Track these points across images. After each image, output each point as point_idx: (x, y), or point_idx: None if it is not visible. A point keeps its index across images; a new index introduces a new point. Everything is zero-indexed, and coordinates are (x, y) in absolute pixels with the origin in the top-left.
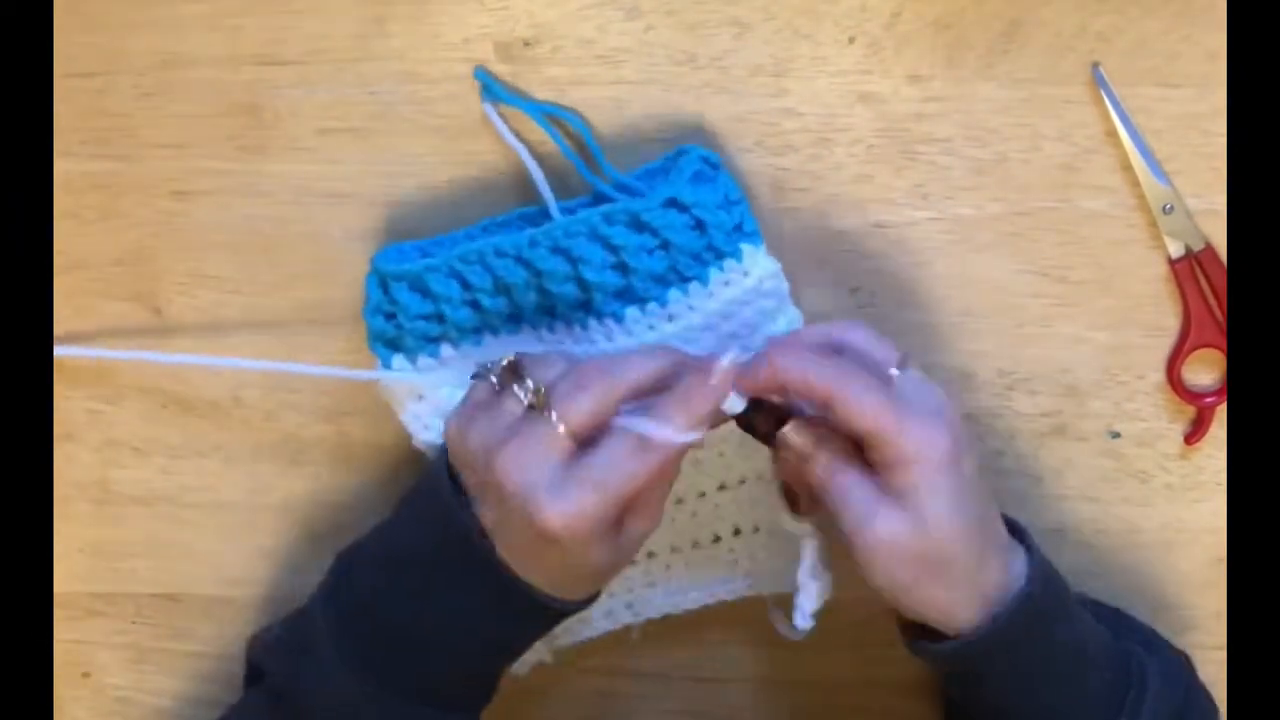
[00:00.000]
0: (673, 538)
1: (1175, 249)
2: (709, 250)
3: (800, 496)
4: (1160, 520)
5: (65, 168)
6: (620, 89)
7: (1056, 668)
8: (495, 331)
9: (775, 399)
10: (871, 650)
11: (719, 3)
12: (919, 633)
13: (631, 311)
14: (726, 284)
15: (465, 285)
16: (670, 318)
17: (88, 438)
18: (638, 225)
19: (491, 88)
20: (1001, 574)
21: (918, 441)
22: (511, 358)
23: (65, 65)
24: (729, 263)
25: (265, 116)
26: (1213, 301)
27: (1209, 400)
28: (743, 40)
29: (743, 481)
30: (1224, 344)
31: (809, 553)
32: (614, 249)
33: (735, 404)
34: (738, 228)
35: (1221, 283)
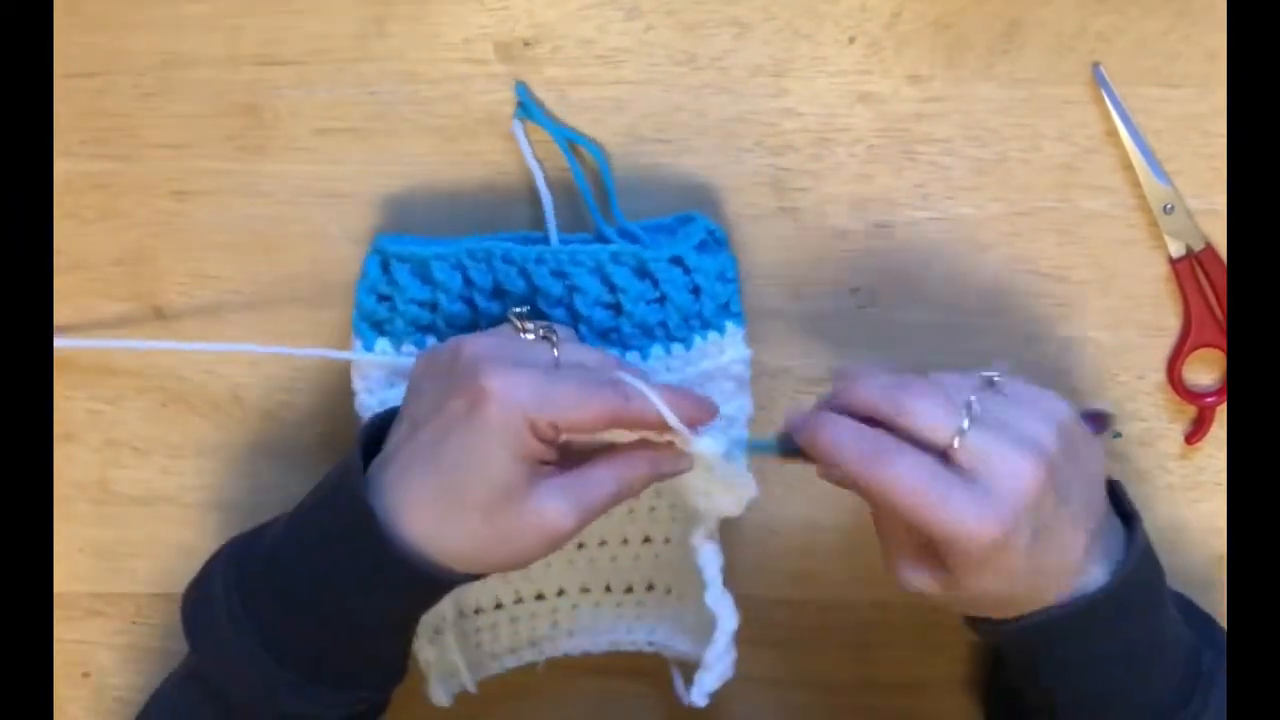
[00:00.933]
0: (587, 578)
1: (1175, 249)
2: (698, 318)
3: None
4: (1160, 520)
5: (65, 168)
6: (620, 89)
7: (1117, 667)
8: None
9: None
10: (871, 650)
11: (719, 3)
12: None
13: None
14: (704, 355)
15: (467, 281)
16: (646, 372)
17: (88, 438)
18: (642, 272)
19: (529, 107)
20: (1066, 587)
21: (957, 532)
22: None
23: (65, 65)
24: (712, 335)
25: (265, 116)
26: (1213, 301)
27: (1209, 400)
28: (743, 40)
29: (667, 541)
30: (1224, 344)
31: (722, 634)
32: (613, 289)
33: (773, 447)
34: (725, 306)
35: (1221, 283)
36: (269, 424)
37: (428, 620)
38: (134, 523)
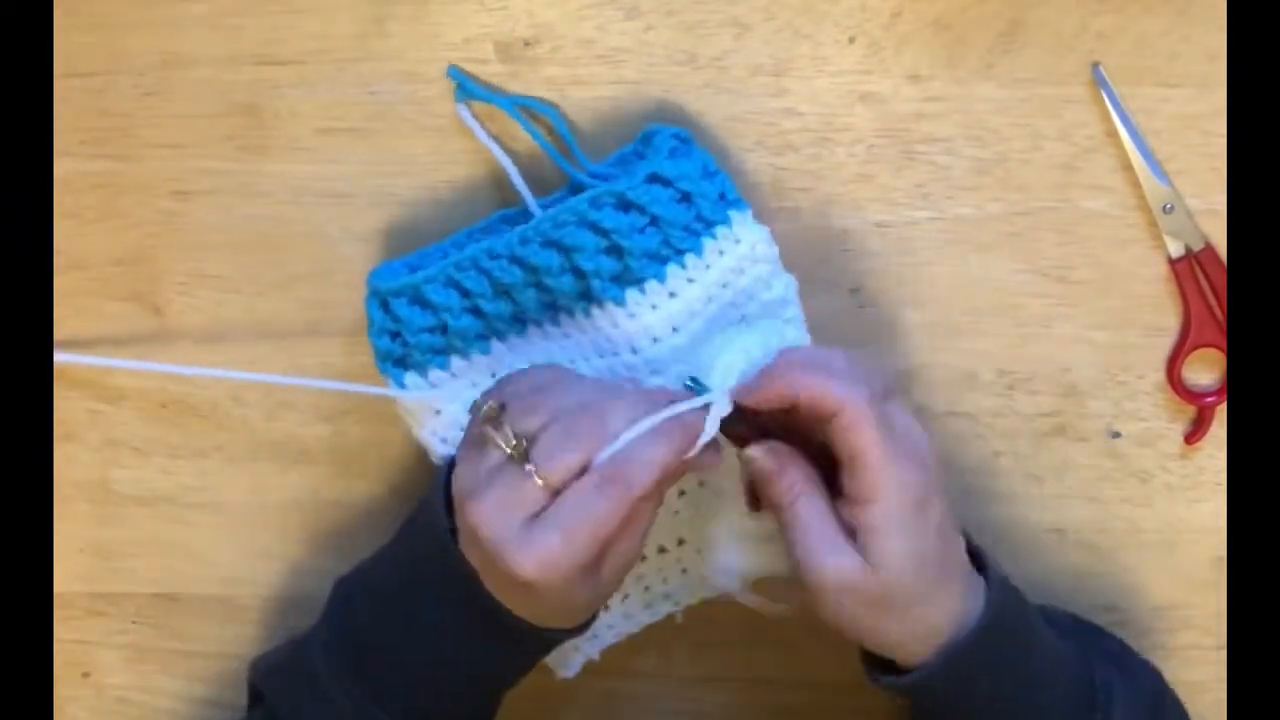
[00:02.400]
0: (702, 522)
1: (1175, 249)
2: (698, 220)
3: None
4: (1160, 520)
5: (65, 168)
6: (620, 89)
7: (1016, 695)
8: (502, 336)
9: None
10: None
11: (719, 3)
12: (878, 664)
13: (632, 294)
14: (720, 253)
15: (464, 293)
16: (671, 294)
17: (88, 438)
18: (624, 205)
19: (466, 85)
20: (956, 608)
21: (892, 477)
22: (492, 405)
23: (65, 65)
24: (720, 230)
25: (265, 116)
26: (1213, 301)
27: (1209, 400)
28: (743, 40)
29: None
30: (1224, 344)
31: (727, 512)
32: (605, 233)
33: (723, 407)
34: (722, 196)
35: (1221, 283)
36: (269, 424)
37: None
38: (134, 523)
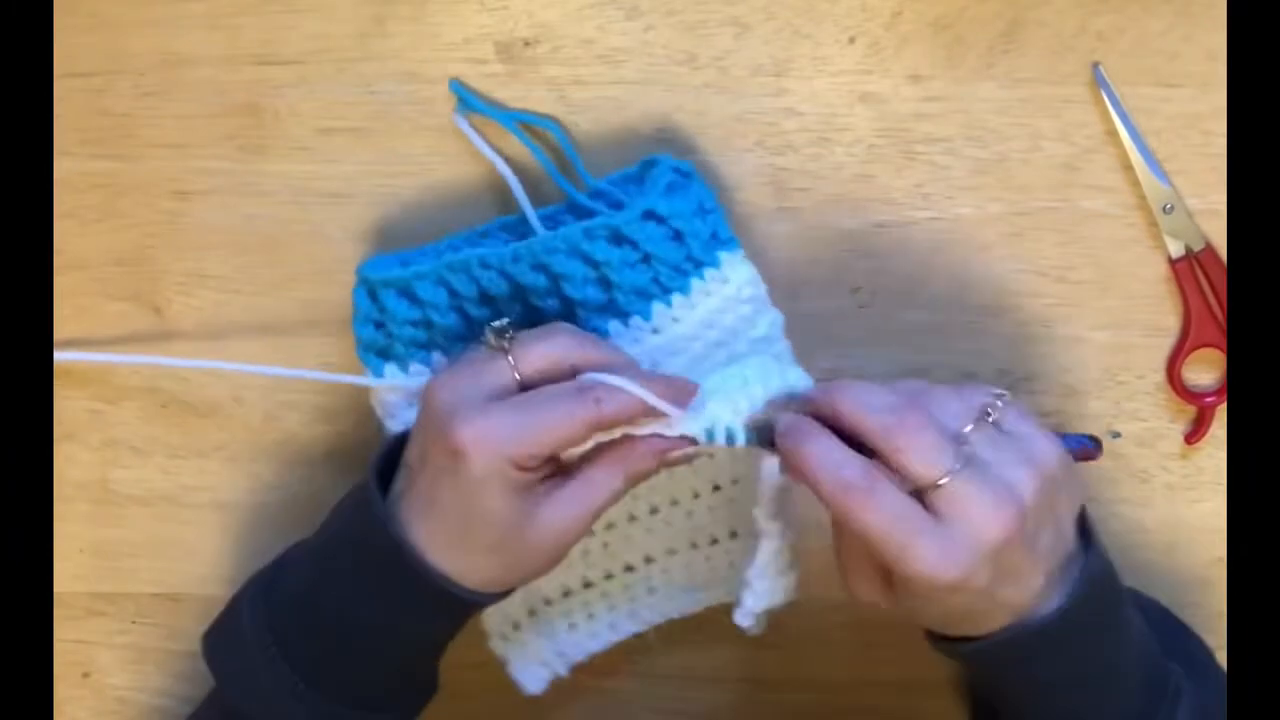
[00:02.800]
0: (670, 541)
1: (1175, 249)
2: (688, 260)
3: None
4: (1160, 520)
5: (65, 168)
6: (620, 89)
7: (1074, 687)
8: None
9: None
10: (871, 650)
11: (719, 3)
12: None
13: (614, 326)
14: (707, 294)
15: (452, 293)
16: (655, 330)
17: (88, 438)
18: (618, 239)
19: (467, 99)
20: (1034, 595)
21: (913, 569)
22: (504, 321)
23: (65, 65)
24: (709, 271)
25: (265, 116)
26: (1213, 301)
27: (1209, 400)
28: (743, 40)
29: (735, 482)
30: (1224, 344)
31: (763, 553)
32: (595, 264)
33: (750, 437)
34: (714, 236)
35: (1221, 283)
36: (269, 424)
37: (501, 616)
38: (134, 523)
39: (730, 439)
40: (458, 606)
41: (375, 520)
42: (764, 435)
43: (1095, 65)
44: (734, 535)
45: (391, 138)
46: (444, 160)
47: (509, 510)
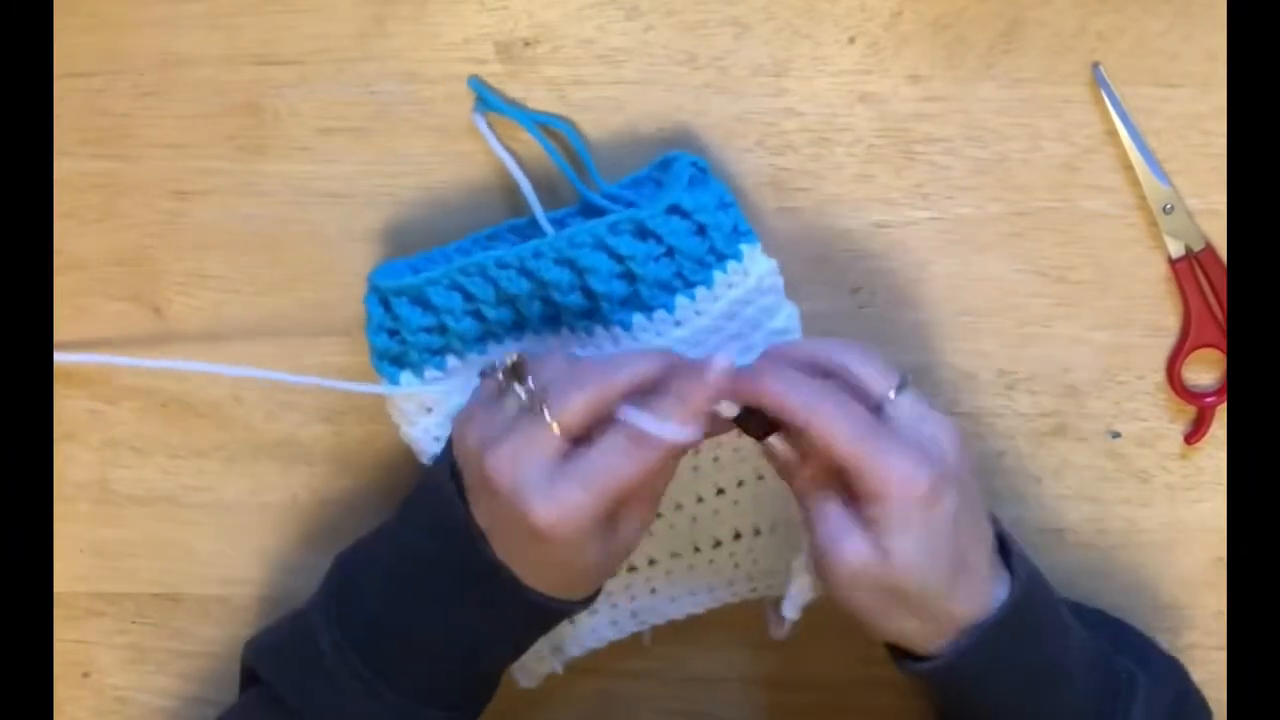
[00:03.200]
0: (673, 543)
1: (1175, 249)
2: (711, 253)
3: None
4: (1160, 520)
5: (65, 168)
6: (620, 89)
7: (1037, 685)
8: (500, 339)
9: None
10: (871, 650)
11: (719, 3)
12: (901, 649)
13: (638, 319)
14: (730, 285)
15: (467, 297)
16: (677, 323)
17: (88, 438)
18: (643, 233)
19: (486, 98)
20: (976, 601)
21: (891, 477)
22: (514, 356)
23: (65, 65)
24: (731, 264)
25: (265, 116)
26: (1213, 301)
27: (1209, 400)
28: (743, 40)
29: (740, 484)
30: (1224, 344)
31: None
32: (620, 258)
33: (728, 409)
34: (734, 229)
35: (1221, 283)
36: (269, 424)
37: None
38: (134, 523)
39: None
40: (554, 616)
41: (470, 544)
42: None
43: (1095, 65)
44: (737, 537)
45: (391, 138)
46: (444, 160)
47: (599, 553)
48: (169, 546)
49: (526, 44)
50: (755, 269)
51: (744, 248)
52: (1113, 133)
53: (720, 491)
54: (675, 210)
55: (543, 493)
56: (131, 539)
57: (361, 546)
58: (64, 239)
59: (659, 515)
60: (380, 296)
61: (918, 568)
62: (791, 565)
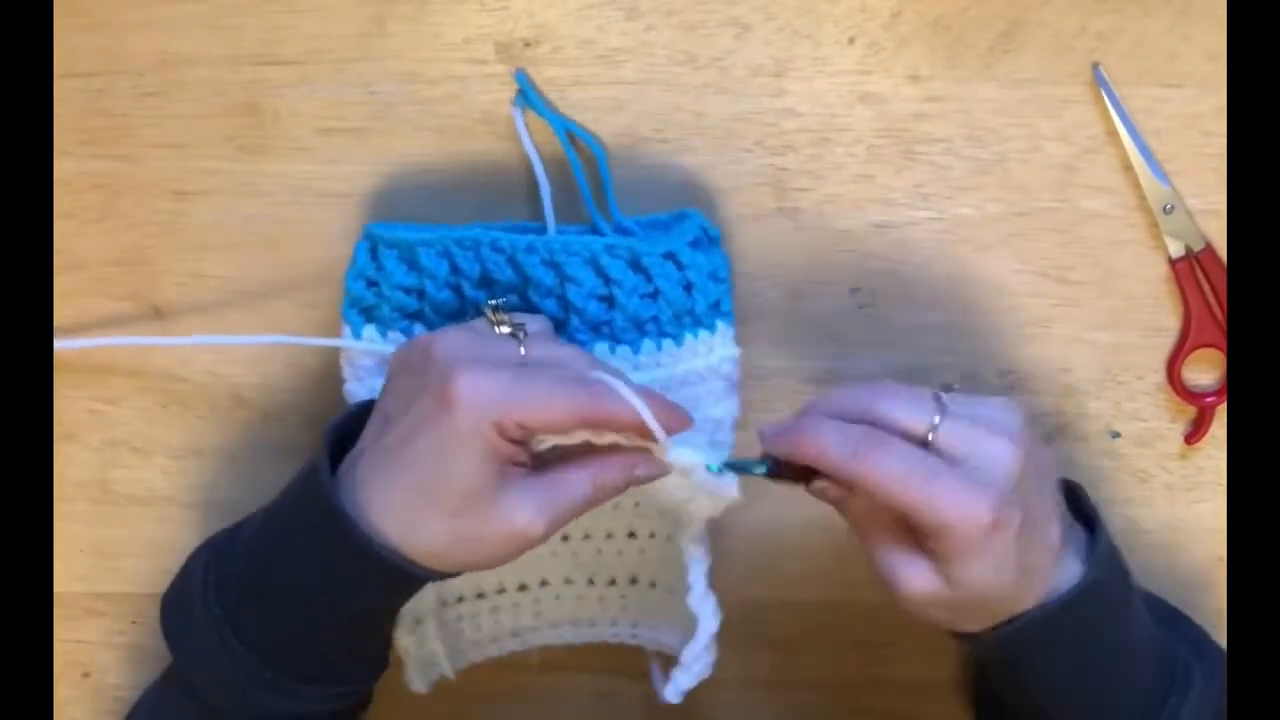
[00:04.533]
0: (570, 570)
1: (1175, 249)
2: (689, 314)
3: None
4: (1160, 520)
5: (65, 168)
6: (620, 89)
7: (1091, 671)
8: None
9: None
10: (872, 650)
11: (719, 3)
12: None
13: (600, 347)
14: (694, 354)
15: (454, 269)
16: (637, 366)
17: (88, 438)
18: (636, 266)
19: (529, 95)
20: (1042, 592)
21: (949, 516)
22: (501, 301)
23: (65, 65)
24: (703, 333)
25: (265, 116)
26: (1213, 301)
27: (1209, 400)
28: (743, 40)
29: (652, 535)
30: (1224, 344)
31: (702, 638)
32: (607, 281)
33: (758, 468)
34: (716, 305)
35: (1221, 283)
36: (269, 424)
37: (408, 609)
38: (134, 523)
39: (736, 466)
40: (399, 578)
41: (320, 485)
42: (770, 465)
43: (1095, 65)
44: (633, 582)
45: (391, 138)
46: (444, 161)
47: (479, 475)
48: (169, 546)
49: (526, 44)
50: (721, 349)
51: (720, 324)
52: (1113, 133)
53: (631, 535)
54: (671, 258)
55: (476, 365)
56: (132, 539)
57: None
58: (64, 239)
59: (564, 539)
60: (371, 245)
61: (984, 587)
62: (683, 652)
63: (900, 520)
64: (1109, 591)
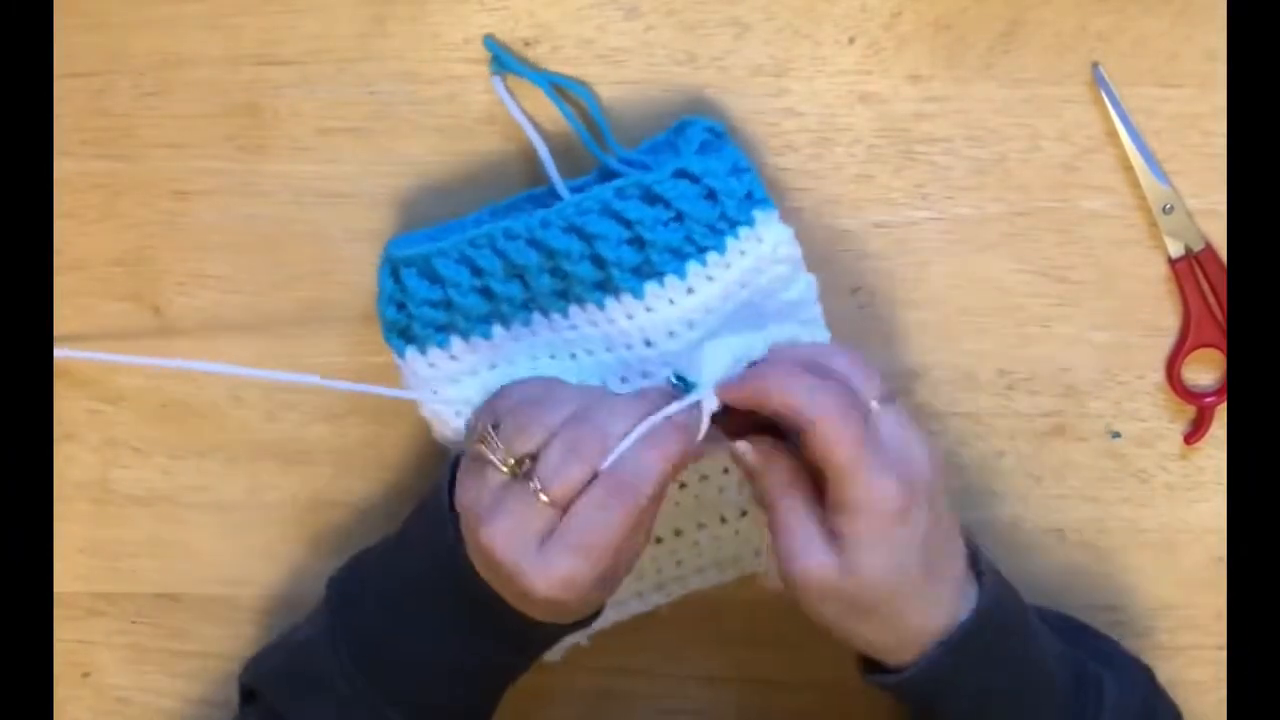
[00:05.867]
0: (700, 515)
1: (1175, 249)
2: (723, 219)
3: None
4: (1160, 520)
5: (65, 168)
6: (620, 89)
7: (1004, 698)
8: (506, 322)
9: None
10: None
11: (719, 3)
12: (871, 661)
13: (651, 286)
14: (742, 252)
15: (475, 271)
16: (689, 290)
17: (88, 438)
18: (650, 198)
19: (501, 58)
20: (943, 612)
21: (869, 492)
22: (484, 423)
23: (65, 65)
24: (743, 230)
25: (265, 116)
26: (1213, 301)
27: (1209, 400)
28: (743, 40)
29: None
30: (1224, 344)
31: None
32: (629, 223)
33: (711, 403)
34: (749, 195)
35: (1221, 283)
36: (269, 424)
37: None
38: (134, 523)
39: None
40: (554, 639)
41: (460, 574)
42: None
43: (1095, 65)
44: (743, 514)
45: (391, 138)
46: (444, 160)
47: (603, 591)
48: (169, 546)
49: (526, 44)
50: (770, 236)
51: (758, 214)
52: (1113, 133)
53: (725, 471)
54: (683, 175)
55: (539, 567)
56: (131, 539)
57: (359, 566)
58: (64, 239)
59: (682, 486)
60: (392, 267)
61: (884, 584)
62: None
63: (813, 499)
64: (1006, 617)
